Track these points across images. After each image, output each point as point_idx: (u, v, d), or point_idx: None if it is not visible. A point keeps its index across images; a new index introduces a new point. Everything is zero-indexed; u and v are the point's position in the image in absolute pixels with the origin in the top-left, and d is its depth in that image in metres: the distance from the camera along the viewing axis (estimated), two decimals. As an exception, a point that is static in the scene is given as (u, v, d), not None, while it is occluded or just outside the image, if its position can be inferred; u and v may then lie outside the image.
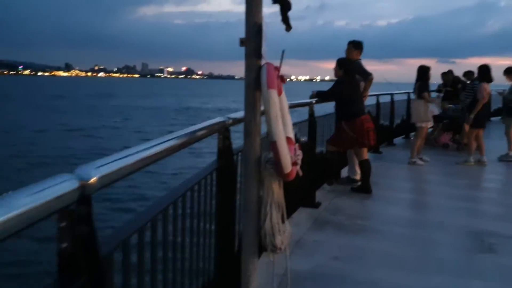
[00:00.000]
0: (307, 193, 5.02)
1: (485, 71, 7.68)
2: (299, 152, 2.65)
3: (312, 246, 3.86)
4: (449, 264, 3.61)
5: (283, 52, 2.49)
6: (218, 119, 2.37)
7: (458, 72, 11.68)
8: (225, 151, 2.40)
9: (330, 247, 3.86)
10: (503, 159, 8.02)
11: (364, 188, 5.68)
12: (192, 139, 2.10)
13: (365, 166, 5.68)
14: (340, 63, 5.66)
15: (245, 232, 2.54)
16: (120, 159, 1.19)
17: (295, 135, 4.55)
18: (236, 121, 2.51)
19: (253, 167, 2.48)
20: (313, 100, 5.18)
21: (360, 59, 6.30)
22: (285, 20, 2.67)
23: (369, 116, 6.08)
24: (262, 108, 2.43)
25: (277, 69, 2.47)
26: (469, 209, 5.17)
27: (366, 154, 5.76)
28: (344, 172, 6.35)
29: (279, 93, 2.60)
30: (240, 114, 2.56)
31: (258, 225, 2.52)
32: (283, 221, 2.63)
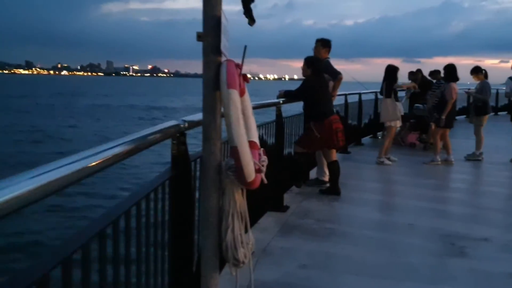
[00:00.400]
0: (274, 196, 4.83)
1: (451, 70, 7.68)
2: (264, 158, 2.44)
3: (279, 254, 3.66)
4: (420, 269, 3.49)
5: (245, 48, 2.27)
6: (171, 122, 2.12)
7: (424, 72, 11.76)
8: (180, 158, 2.16)
9: (298, 254, 3.67)
10: (470, 158, 8.05)
11: (332, 190, 5.53)
12: (141, 146, 1.85)
13: (334, 168, 5.53)
14: (308, 62, 5.49)
15: (205, 245, 2.32)
16: (29, 179, 0.93)
17: (261, 138, 4.35)
18: (193, 125, 2.27)
19: (213, 175, 2.26)
20: (280, 100, 4.99)
21: (328, 58, 6.16)
22: (248, 13, 2.46)
23: (338, 116, 5.94)
24: (222, 109, 2.21)
25: (239, 66, 2.25)
26: (438, 210, 5.10)
27: (335, 155, 5.62)
28: (313, 174, 6.20)
29: (242, 93, 2.38)
30: (198, 116, 2.33)
31: (219, 238, 2.31)
32: (246, 231, 2.42)
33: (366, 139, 10.15)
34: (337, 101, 7.94)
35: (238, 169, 2.13)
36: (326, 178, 5.85)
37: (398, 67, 7.67)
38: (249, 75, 2.53)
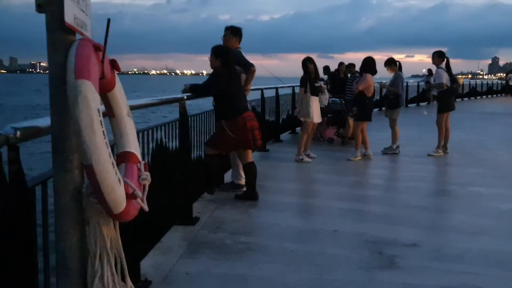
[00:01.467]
0: (182, 207, 4.17)
1: (369, 63, 7.47)
2: (146, 175, 1.80)
3: (184, 282, 3.02)
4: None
5: (108, 21, 1.61)
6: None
7: (336, 66, 11.71)
8: (8, 184, 1.45)
9: (206, 280, 3.05)
10: (387, 152, 7.94)
11: (249, 195, 4.99)
12: None
13: (250, 170, 4.97)
14: (217, 52, 4.88)
15: (63, 303, 1.64)
16: None
17: (161, 141, 3.66)
18: (32, 133, 1.57)
19: (70, 203, 1.58)
20: (185, 96, 4.32)
21: (239, 48, 5.57)
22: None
23: (253, 113, 5.38)
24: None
25: (100, 48, 1.59)
26: (362, 211, 4.74)
27: (251, 156, 5.07)
28: (228, 177, 5.62)
29: (109, 87, 1.72)
30: (44, 121, 1.63)
31: (83, 290, 1.65)
32: (123, 279, 1.77)
33: (285, 135, 9.80)
34: (253, 96, 7.44)
35: (98, 198, 1.47)
36: (243, 182, 5.30)
37: (312, 58, 7.34)
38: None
